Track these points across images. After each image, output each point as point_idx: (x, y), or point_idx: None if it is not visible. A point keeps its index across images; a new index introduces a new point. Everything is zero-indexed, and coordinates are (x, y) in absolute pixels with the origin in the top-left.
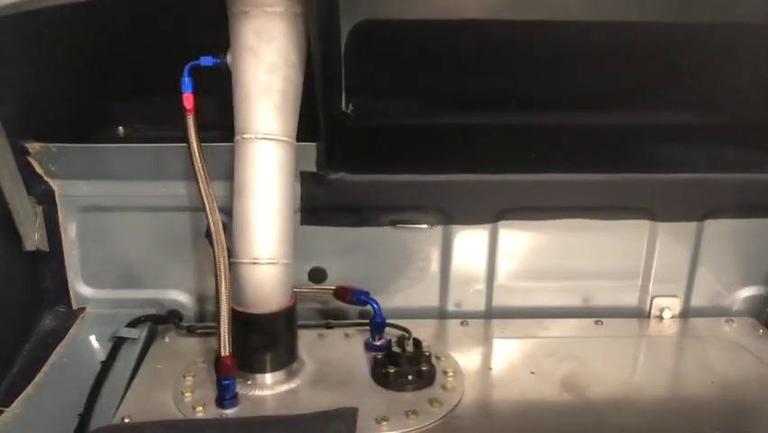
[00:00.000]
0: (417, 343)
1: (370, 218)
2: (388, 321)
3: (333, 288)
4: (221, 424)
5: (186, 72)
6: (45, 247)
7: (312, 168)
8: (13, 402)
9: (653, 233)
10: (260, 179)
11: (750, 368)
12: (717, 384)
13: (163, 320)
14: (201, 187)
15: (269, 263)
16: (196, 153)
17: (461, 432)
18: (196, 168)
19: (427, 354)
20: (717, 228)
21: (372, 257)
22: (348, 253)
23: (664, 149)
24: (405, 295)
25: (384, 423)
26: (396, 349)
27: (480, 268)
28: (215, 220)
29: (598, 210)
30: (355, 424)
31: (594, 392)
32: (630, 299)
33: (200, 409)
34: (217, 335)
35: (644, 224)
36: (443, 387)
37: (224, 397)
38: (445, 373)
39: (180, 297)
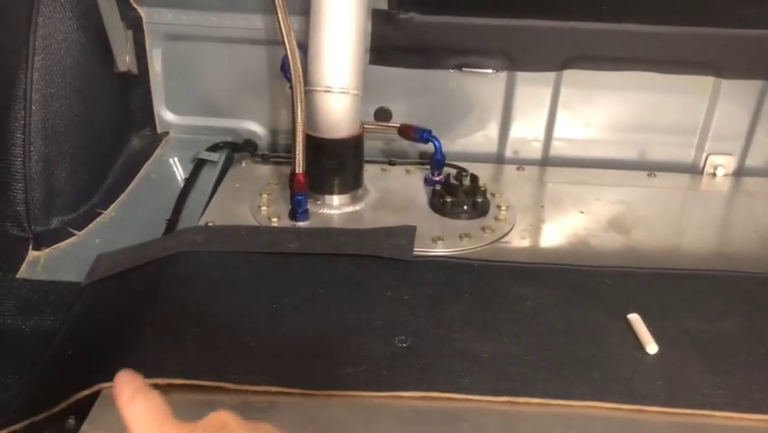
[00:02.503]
0: (474, 177)
1: (437, 61)
2: (448, 161)
3: (398, 125)
4: (294, 231)
5: None
6: (135, 69)
7: (383, 6)
8: (109, 207)
9: (716, 90)
10: (336, 10)
11: None
12: (761, 233)
13: (240, 148)
14: (279, 15)
15: (340, 92)
16: None
17: (509, 254)
18: None
19: (483, 188)
20: None
21: (436, 100)
22: (413, 95)
23: (735, 4)
24: (465, 140)
25: (439, 242)
26: (453, 182)
27: (541, 117)
28: (293, 48)
29: (663, 64)
30: (413, 239)
31: (639, 232)
32: (685, 155)
33: (275, 220)
34: (293, 155)
35: (708, 80)
36: (496, 218)
37: (297, 210)
38: (499, 207)
39: (255, 127)
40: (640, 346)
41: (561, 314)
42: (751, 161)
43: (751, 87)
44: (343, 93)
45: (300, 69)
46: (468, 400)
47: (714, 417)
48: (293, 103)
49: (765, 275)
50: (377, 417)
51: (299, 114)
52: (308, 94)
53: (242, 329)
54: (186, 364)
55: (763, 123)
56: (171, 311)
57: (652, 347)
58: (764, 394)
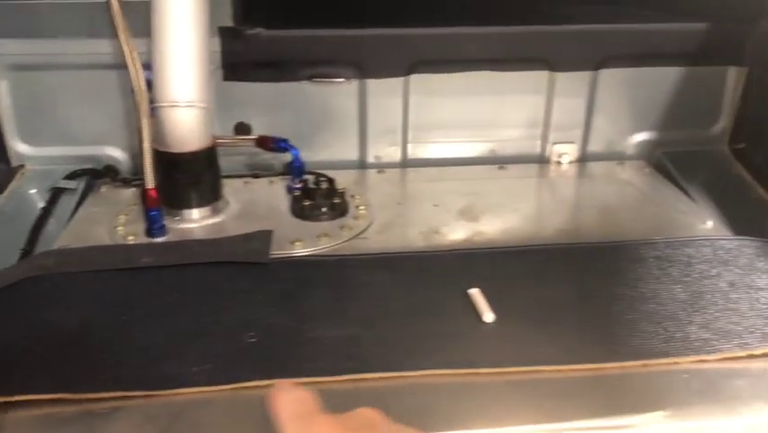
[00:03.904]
0: (331, 180)
1: (289, 73)
2: (312, 170)
3: (255, 137)
4: (148, 246)
5: None
6: None
7: (229, 22)
8: None
9: (552, 83)
10: (174, 26)
11: (630, 197)
12: (600, 209)
13: (100, 174)
14: (121, 36)
15: (187, 106)
16: (116, 6)
17: (366, 248)
18: (116, 20)
19: (341, 190)
20: (610, 77)
21: (295, 112)
22: (272, 108)
23: (561, 3)
24: (328, 150)
25: (297, 243)
26: (312, 186)
27: (396, 122)
28: (136, 67)
29: (501, 62)
30: (270, 241)
31: (487, 218)
32: (532, 147)
33: (131, 238)
34: (143, 171)
35: (543, 75)
36: (355, 217)
37: (153, 226)
38: (357, 207)
39: (115, 153)
40: (479, 317)
41: (408, 296)
42: (592, 147)
43: (582, 79)
44: (190, 106)
45: (144, 87)
46: (311, 382)
47: (541, 371)
48: (137, 118)
49: (601, 244)
50: (220, 408)
51: (145, 129)
52: (157, 111)
53: (92, 343)
54: (27, 382)
55: (598, 110)
56: (16, 334)
57: (488, 316)
58: (588, 349)
